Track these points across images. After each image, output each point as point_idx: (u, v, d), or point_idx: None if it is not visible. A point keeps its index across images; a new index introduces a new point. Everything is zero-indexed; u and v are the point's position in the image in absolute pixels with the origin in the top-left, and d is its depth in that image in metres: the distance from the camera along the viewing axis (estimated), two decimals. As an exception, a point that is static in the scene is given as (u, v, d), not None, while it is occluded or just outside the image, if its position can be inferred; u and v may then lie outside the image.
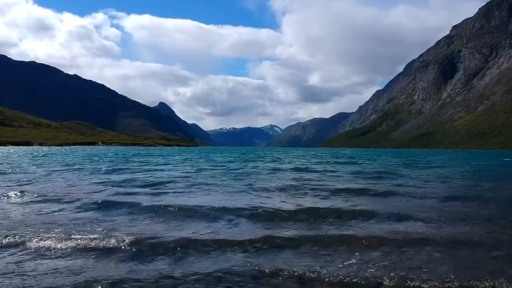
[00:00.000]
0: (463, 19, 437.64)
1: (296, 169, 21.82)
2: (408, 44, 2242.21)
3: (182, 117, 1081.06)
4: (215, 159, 38.27)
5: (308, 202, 9.40)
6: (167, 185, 12.86)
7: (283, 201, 9.46)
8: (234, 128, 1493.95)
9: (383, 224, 6.91)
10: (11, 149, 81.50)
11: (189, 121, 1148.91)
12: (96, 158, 36.01)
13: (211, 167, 23.14)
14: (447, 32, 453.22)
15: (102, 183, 13.14)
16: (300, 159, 40.51)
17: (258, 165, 25.98)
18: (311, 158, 42.01)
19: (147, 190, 11.55)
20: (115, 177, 15.56)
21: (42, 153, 50.33)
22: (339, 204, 9.04)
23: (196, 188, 12.11)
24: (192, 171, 19.83)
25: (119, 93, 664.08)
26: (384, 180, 15.66)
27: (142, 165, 24.91)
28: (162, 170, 20.66)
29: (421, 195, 10.79)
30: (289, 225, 6.80)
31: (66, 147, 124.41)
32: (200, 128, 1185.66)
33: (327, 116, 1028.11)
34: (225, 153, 64.86)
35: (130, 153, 57.60)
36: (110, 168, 20.91)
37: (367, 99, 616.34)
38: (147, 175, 16.58)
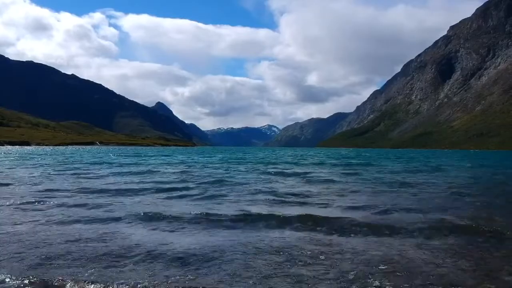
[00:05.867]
0: (461, 19, 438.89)
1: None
2: (407, 44, 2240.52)
3: (180, 117, 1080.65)
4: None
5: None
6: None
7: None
8: (232, 128, 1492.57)
9: None
10: None
11: (187, 121, 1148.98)
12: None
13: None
14: (446, 32, 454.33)
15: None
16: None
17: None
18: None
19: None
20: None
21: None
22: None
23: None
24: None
25: (117, 93, 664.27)
26: None
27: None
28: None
29: None
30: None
31: (63, 147, 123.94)
32: (198, 128, 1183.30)
33: (325, 116, 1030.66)
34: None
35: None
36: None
37: (365, 99, 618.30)
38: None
